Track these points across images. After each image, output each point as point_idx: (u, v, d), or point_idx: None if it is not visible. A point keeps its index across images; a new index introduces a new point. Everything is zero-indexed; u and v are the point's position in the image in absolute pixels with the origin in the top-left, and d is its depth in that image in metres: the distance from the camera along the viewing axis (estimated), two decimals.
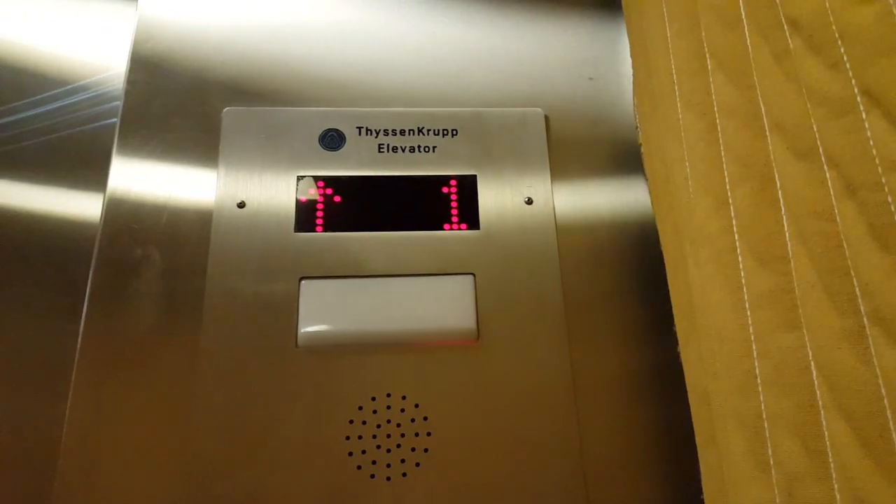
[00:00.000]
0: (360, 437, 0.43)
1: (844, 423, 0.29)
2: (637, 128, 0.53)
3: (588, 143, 0.54)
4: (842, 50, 0.28)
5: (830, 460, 0.30)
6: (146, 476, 0.41)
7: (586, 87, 0.56)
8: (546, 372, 0.46)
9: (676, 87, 0.43)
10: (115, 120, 0.51)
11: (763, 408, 0.34)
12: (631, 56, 0.54)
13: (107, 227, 0.47)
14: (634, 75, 0.53)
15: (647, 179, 0.51)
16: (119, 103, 0.51)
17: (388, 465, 0.43)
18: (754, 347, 0.35)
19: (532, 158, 0.52)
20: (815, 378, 0.32)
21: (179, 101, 0.52)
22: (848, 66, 0.28)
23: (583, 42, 0.57)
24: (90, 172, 0.50)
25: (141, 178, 0.49)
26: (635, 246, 0.51)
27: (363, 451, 0.43)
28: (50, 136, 0.52)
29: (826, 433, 0.31)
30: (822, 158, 0.31)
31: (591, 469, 0.44)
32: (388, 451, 0.43)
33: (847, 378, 0.29)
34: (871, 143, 0.27)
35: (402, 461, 0.43)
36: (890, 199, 0.26)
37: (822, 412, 0.31)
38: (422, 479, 0.43)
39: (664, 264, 0.46)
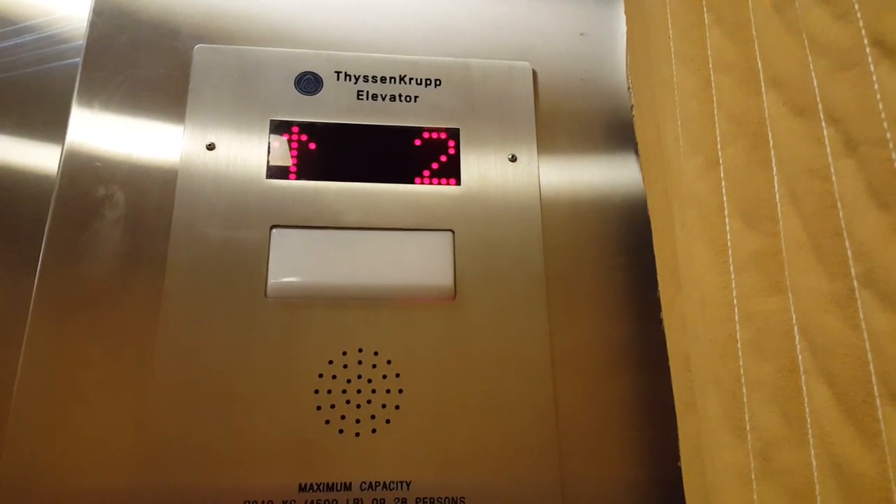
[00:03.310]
0: (329, 392, 0.42)
1: (826, 388, 0.28)
2: (629, 89, 0.51)
3: (577, 101, 0.52)
4: None
5: (808, 426, 0.30)
6: (102, 430, 0.40)
7: (577, 43, 0.54)
8: (523, 334, 0.45)
9: (671, 43, 0.41)
10: (77, 60, 0.48)
11: (742, 372, 0.33)
12: (625, 12, 0.52)
13: (67, 165, 0.45)
14: (628, 32, 0.51)
15: (637, 142, 0.49)
16: (82, 42, 0.48)
17: (358, 421, 0.42)
18: (736, 311, 0.34)
19: (518, 114, 0.50)
20: (797, 342, 0.31)
21: (148, 37, 0.49)
22: (858, 15, 0.27)
23: None
24: (50, 114, 0.47)
25: (105, 115, 0.46)
26: (621, 212, 0.49)
27: (332, 406, 0.42)
28: (6, 74, 0.49)
29: (806, 399, 0.30)
30: (821, 114, 0.30)
31: (566, 436, 0.43)
32: (358, 406, 0.42)
33: (833, 342, 0.28)
34: (878, 96, 0.25)
35: (372, 417, 0.42)
36: (894, 156, 0.25)
37: (802, 377, 0.30)
38: (392, 436, 0.42)
39: (650, 232, 0.45)
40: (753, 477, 0.31)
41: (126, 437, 0.40)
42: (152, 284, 0.43)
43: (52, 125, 0.47)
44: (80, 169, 0.45)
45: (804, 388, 0.30)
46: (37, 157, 0.46)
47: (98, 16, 0.49)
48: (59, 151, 0.45)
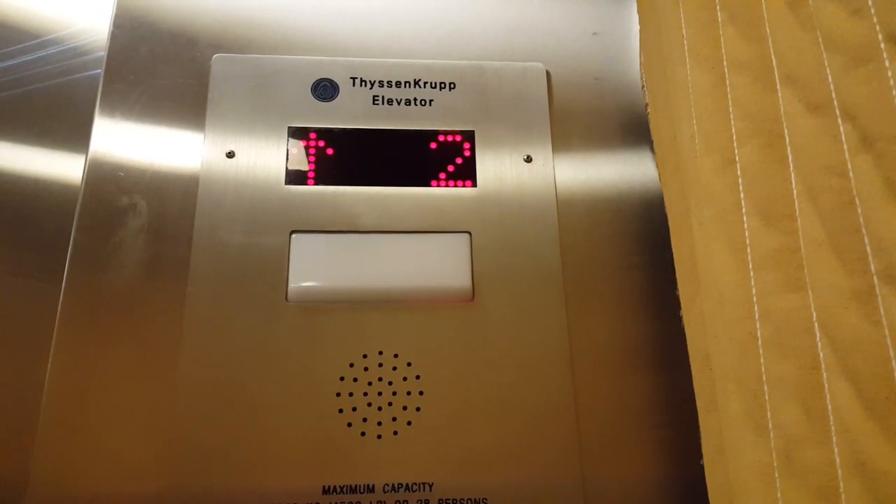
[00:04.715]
0: (350, 395, 0.43)
1: (848, 385, 0.28)
2: (643, 87, 0.51)
3: (591, 101, 0.52)
4: None
5: (831, 423, 0.30)
6: (129, 435, 0.41)
7: (590, 43, 0.54)
8: (542, 334, 0.45)
9: (685, 41, 0.41)
10: (98, 71, 0.49)
11: (763, 370, 0.33)
12: (638, 11, 0.52)
13: (91, 175, 0.46)
14: (642, 30, 0.51)
15: (652, 140, 0.49)
16: (103, 54, 0.49)
17: (380, 423, 0.42)
18: (756, 309, 0.34)
19: (532, 115, 0.50)
20: (818, 340, 0.31)
21: (167, 48, 0.50)
22: (872, 10, 0.27)
23: None
24: (72, 125, 0.48)
25: (126, 126, 0.47)
26: (638, 210, 0.49)
27: (354, 409, 0.42)
28: (29, 87, 0.50)
29: (828, 396, 0.30)
30: (837, 111, 0.29)
31: (586, 435, 0.43)
32: (380, 409, 0.43)
33: (853, 339, 0.28)
34: (894, 92, 0.25)
35: (394, 419, 0.42)
36: None
37: (824, 374, 0.30)
38: (413, 438, 0.42)
39: (667, 230, 0.45)
40: (777, 476, 0.31)
41: (152, 441, 0.41)
42: (175, 291, 0.44)
43: (75, 136, 0.48)
44: (103, 178, 0.46)
45: (826, 385, 0.30)
46: (61, 167, 0.47)
47: (118, 28, 0.50)
48: (82, 162, 0.46)
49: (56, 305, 0.43)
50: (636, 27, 0.53)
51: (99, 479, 0.40)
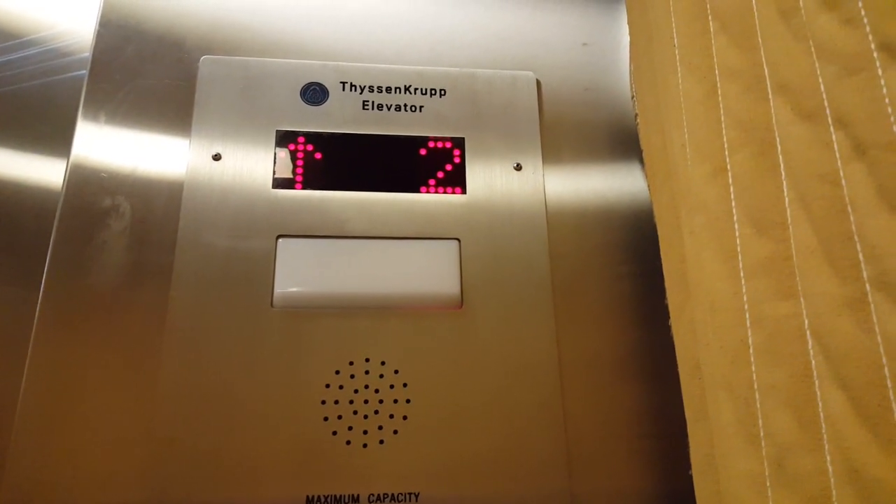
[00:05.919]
0: (336, 403, 0.42)
1: (841, 393, 0.28)
2: (633, 97, 0.51)
3: (581, 111, 0.52)
4: (860, 4, 0.27)
5: (823, 431, 0.30)
6: (108, 445, 0.39)
7: (580, 53, 0.54)
8: (531, 343, 0.45)
9: (677, 51, 0.41)
10: (82, 72, 0.48)
11: (755, 378, 0.33)
12: (629, 22, 0.52)
13: (73, 176, 0.45)
14: (632, 41, 0.52)
15: (642, 150, 0.49)
16: (87, 55, 0.48)
17: (365, 432, 0.41)
18: (748, 317, 0.34)
19: (522, 123, 0.50)
20: (810, 347, 0.31)
21: (154, 48, 0.49)
22: (865, 20, 0.27)
23: (578, 6, 0.56)
24: (54, 126, 0.47)
25: (111, 126, 0.46)
26: (627, 220, 0.49)
27: (339, 417, 0.41)
28: (10, 87, 0.49)
29: (820, 403, 0.30)
30: (829, 119, 0.30)
31: (574, 445, 0.43)
32: (366, 417, 0.42)
33: (846, 346, 0.28)
34: (887, 100, 0.26)
35: (380, 428, 0.42)
36: None
37: (816, 382, 0.30)
38: (399, 447, 0.41)
39: (656, 240, 0.45)
40: (768, 484, 0.31)
41: (132, 451, 0.39)
42: (158, 295, 0.43)
43: (56, 138, 0.47)
44: (85, 180, 0.45)
45: (818, 392, 0.30)
46: (41, 170, 0.46)
47: (104, 27, 0.49)
48: (63, 165, 0.45)
49: (34, 311, 0.41)
50: (626, 39, 0.54)
51: (76, 490, 0.38)
